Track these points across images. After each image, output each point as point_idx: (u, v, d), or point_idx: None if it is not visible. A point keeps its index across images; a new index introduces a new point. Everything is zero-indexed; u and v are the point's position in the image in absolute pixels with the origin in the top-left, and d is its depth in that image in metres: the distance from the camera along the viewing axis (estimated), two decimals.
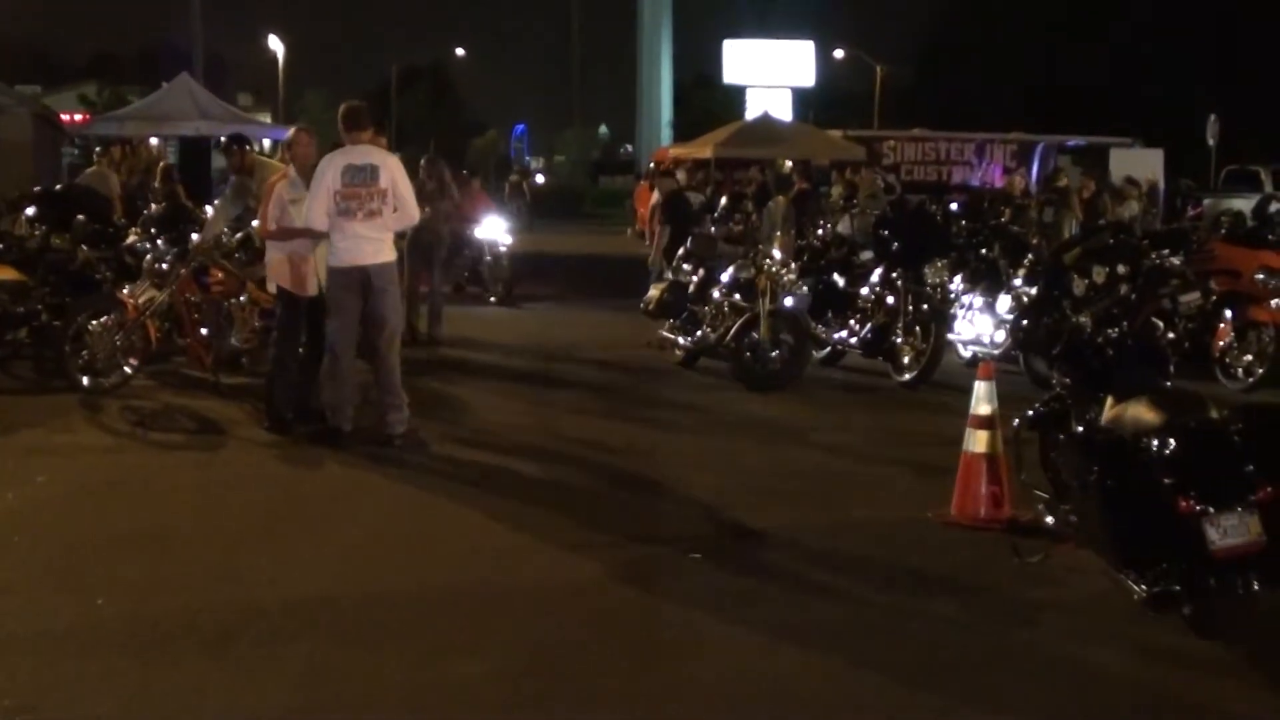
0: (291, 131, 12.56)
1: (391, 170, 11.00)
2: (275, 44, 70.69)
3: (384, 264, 11.00)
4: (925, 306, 14.48)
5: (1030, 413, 8.36)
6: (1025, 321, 14.24)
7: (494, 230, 22.57)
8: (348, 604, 7.11)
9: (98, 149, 35.47)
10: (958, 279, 15.64)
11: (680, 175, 24.86)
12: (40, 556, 7.89)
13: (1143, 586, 6.55)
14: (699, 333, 15.07)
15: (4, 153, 25.02)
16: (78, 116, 45.72)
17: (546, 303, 22.58)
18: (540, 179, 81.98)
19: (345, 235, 10.84)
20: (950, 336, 14.96)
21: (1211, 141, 39.07)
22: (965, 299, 15.46)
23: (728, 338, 14.34)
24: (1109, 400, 7.34)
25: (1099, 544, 7.09)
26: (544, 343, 17.59)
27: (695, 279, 15.62)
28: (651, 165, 35.68)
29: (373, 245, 10.91)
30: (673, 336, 15.58)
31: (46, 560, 7.81)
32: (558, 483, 9.96)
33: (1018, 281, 15.13)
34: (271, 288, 11.81)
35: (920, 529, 8.74)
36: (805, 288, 15.25)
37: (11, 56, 78.03)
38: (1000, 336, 14.82)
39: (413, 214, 11.33)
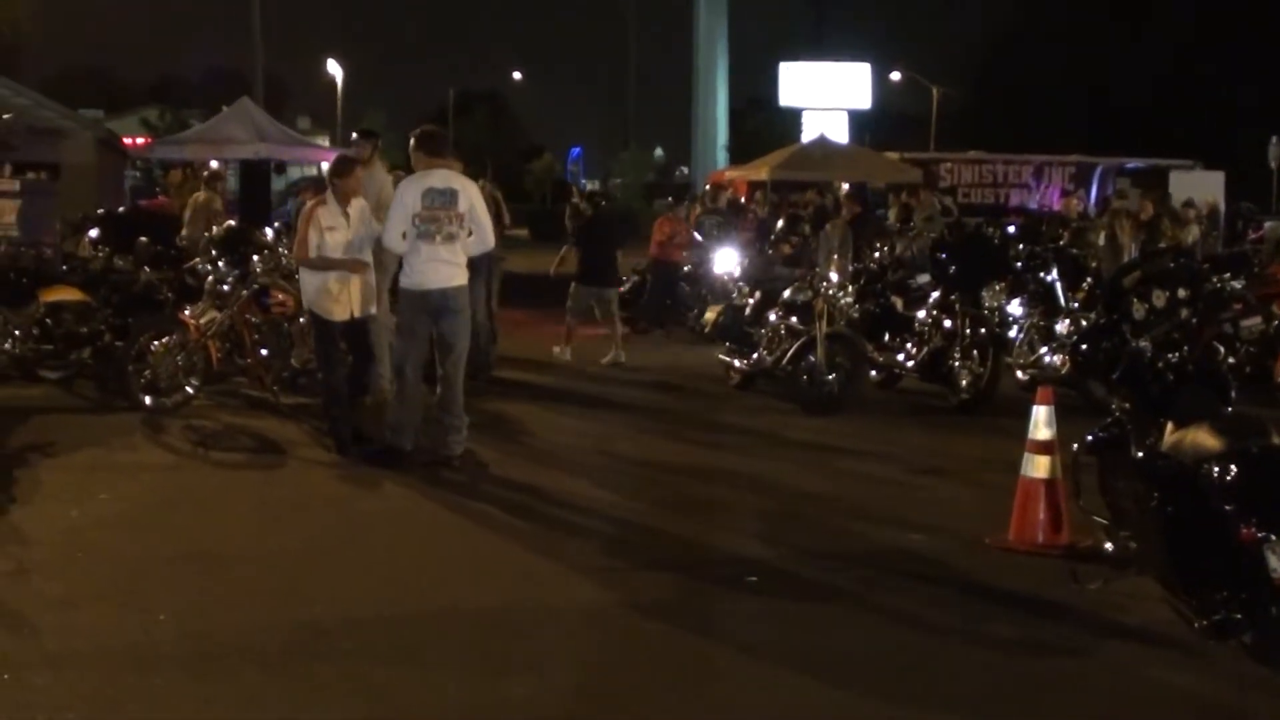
0: (338, 158, 12.59)
1: (470, 195, 11.11)
2: (334, 68, 71.29)
3: (458, 287, 11.06)
4: (983, 330, 14.41)
5: (1089, 438, 8.29)
6: (1084, 345, 14.06)
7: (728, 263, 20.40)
8: (406, 623, 7.15)
9: (159, 171, 35.91)
10: (1015, 302, 15.56)
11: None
12: (103, 573, 7.97)
13: (1203, 614, 6.49)
14: (755, 355, 15.05)
15: (68, 175, 25.32)
16: (139, 140, 46.19)
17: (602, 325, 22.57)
18: (604, 202, 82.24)
19: (422, 257, 10.92)
20: (1008, 360, 14.88)
21: (1273, 164, 38.75)
22: (1023, 322, 15.38)
23: (784, 360, 14.32)
24: (1169, 425, 7.28)
25: (1158, 570, 7.03)
26: (600, 365, 17.60)
27: (751, 301, 15.61)
28: (706, 188, 35.72)
29: (448, 269, 10.98)
30: (729, 359, 15.57)
31: (109, 577, 7.89)
32: (614, 504, 9.97)
33: (1076, 305, 15.04)
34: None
35: (978, 554, 8.69)
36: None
37: (76, 81, 79.09)
38: (1059, 360, 14.73)
39: (488, 240, 11.42)
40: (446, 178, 11.12)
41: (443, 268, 10.97)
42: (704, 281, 20.75)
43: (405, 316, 11.20)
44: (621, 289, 19.83)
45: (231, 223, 16.94)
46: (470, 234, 11.10)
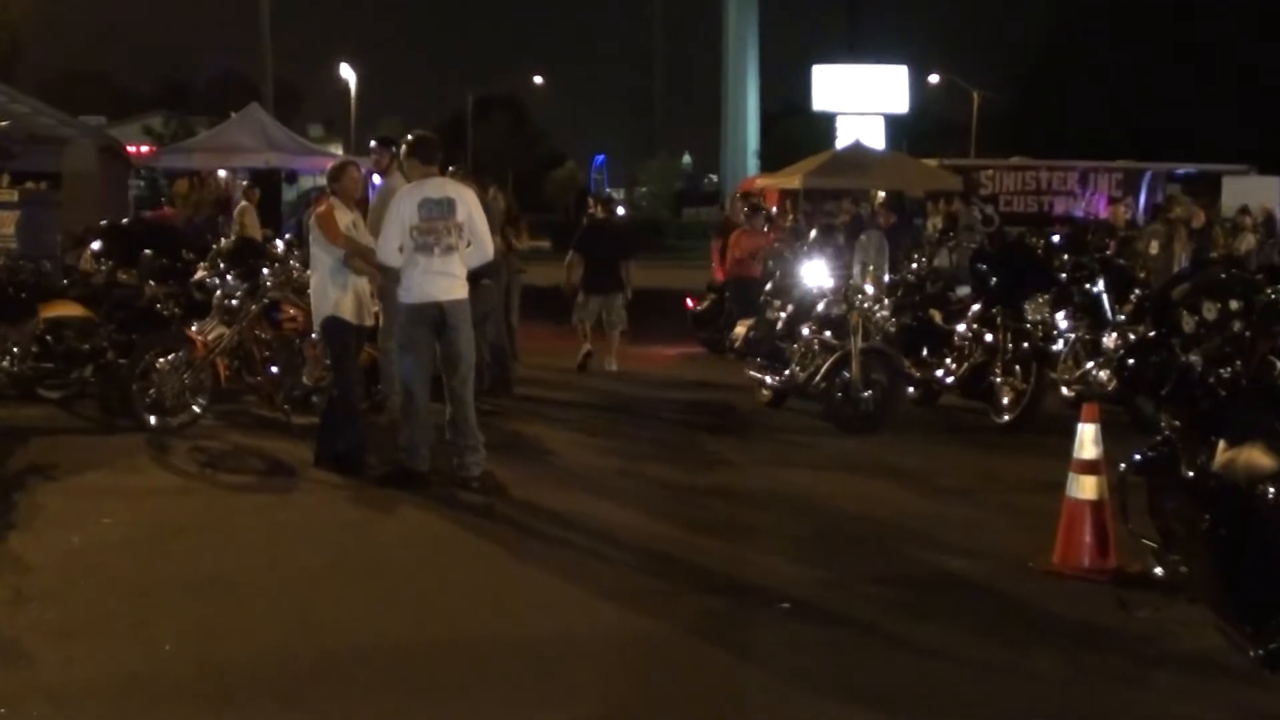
0: (332, 164, 12.65)
1: (468, 204, 11.16)
2: (347, 72, 71.48)
3: (458, 300, 11.09)
4: (1026, 344, 14.38)
5: (1137, 457, 8.26)
6: (1132, 360, 14.05)
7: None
8: (423, 653, 7.16)
9: (164, 181, 36.04)
10: (1060, 315, 15.52)
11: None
12: (106, 601, 8.01)
13: (1258, 642, 6.46)
14: (787, 372, 15.04)
15: (69, 185, 25.39)
16: (144, 148, 46.38)
17: (628, 342, 22.60)
18: (620, 211, 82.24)
19: (420, 270, 10.96)
20: (1052, 376, 14.83)
21: None
22: (1068, 336, 15.34)
23: (818, 377, 14.32)
24: (1221, 444, 7.26)
25: (1211, 597, 7.00)
26: (624, 382, 17.63)
27: (783, 315, 15.59)
28: (737, 196, 35.70)
29: (448, 281, 11.02)
30: (760, 376, 15.56)
31: (113, 605, 7.93)
32: (639, 528, 9.97)
33: (1123, 318, 15.01)
34: (316, 325, 11.94)
35: (1021, 579, 8.68)
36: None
37: (76, 86, 79.43)
38: (1105, 376, 14.68)
39: (488, 250, 11.44)
40: (442, 186, 11.20)
41: (441, 280, 11.02)
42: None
43: (405, 332, 11.22)
44: (696, 307, 20.08)
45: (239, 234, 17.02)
46: (469, 245, 11.15)
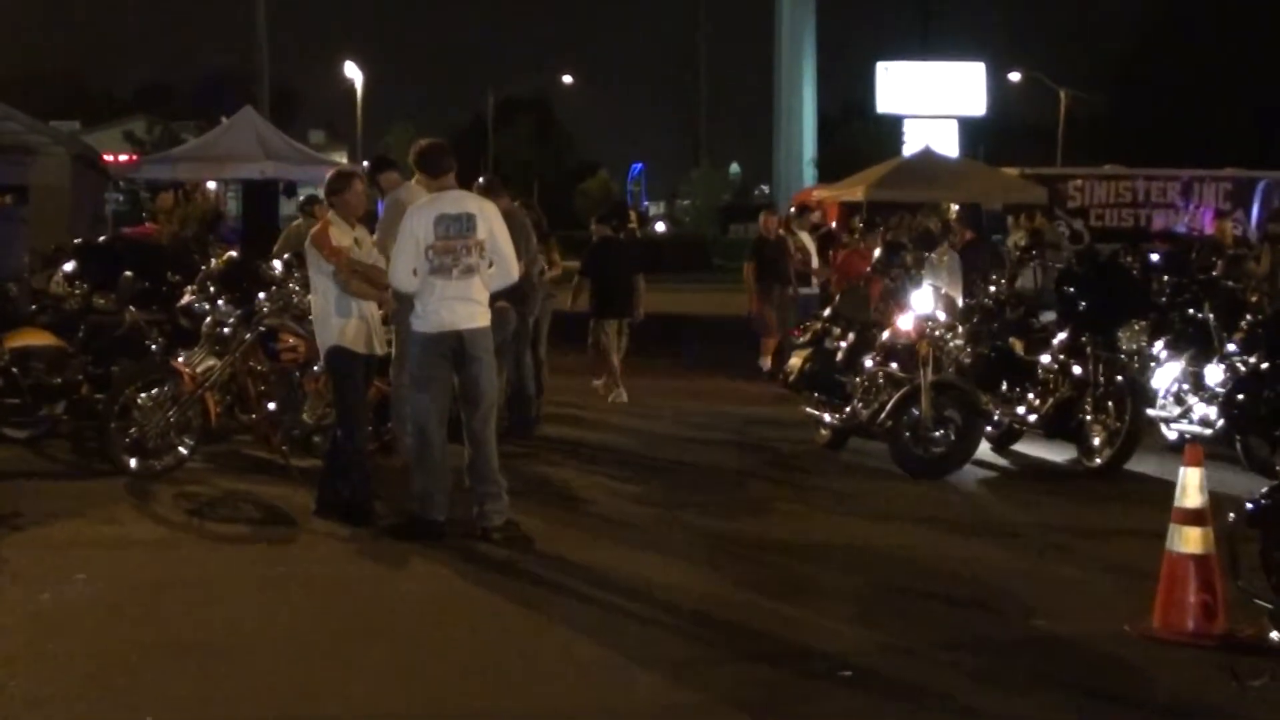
0: (331, 174, 12.62)
1: (490, 219, 11.13)
2: (353, 72, 71.78)
3: (480, 328, 11.10)
4: (1120, 378, 14.33)
5: (1250, 506, 8.25)
6: (1243, 396, 14.05)
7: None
8: None
9: (146, 195, 36.21)
10: (1159, 344, 15.48)
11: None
12: (80, 667, 8.03)
13: None
14: (848, 408, 15.01)
15: (39, 199, 25.53)
16: (123, 157, 46.69)
17: (664, 375, 22.63)
18: (660, 227, 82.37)
19: (437, 296, 10.95)
20: (1150, 413, 14.79)
21: None
22: (1169, 368, 15.29)
23: (883, 414, 14.28)
24: None
25: None
26: (663, 420, 17.64)
27: (844, 344, 15.57)
28: (792, 210, 35.71)
29: (468, 307, 11.02)
30: (817, 413, 15.54)
31: (87, 671, 7.94)
32: (683, 585, 9.94)
33: (1232, 347, 14.95)
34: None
35: (1116, 644, 8.64)
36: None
37: (47, 88, 79.96)
38: (1212, 414, 14.63)
39: (512, 271, 11.45)
40: (460, 200, 11.19)
41: (460, 306, 11.01)
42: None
43: (420, 366, 11.21)
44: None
45: (232, 253, 17.08)
46: (491, 265, 11.14)
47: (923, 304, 14.63)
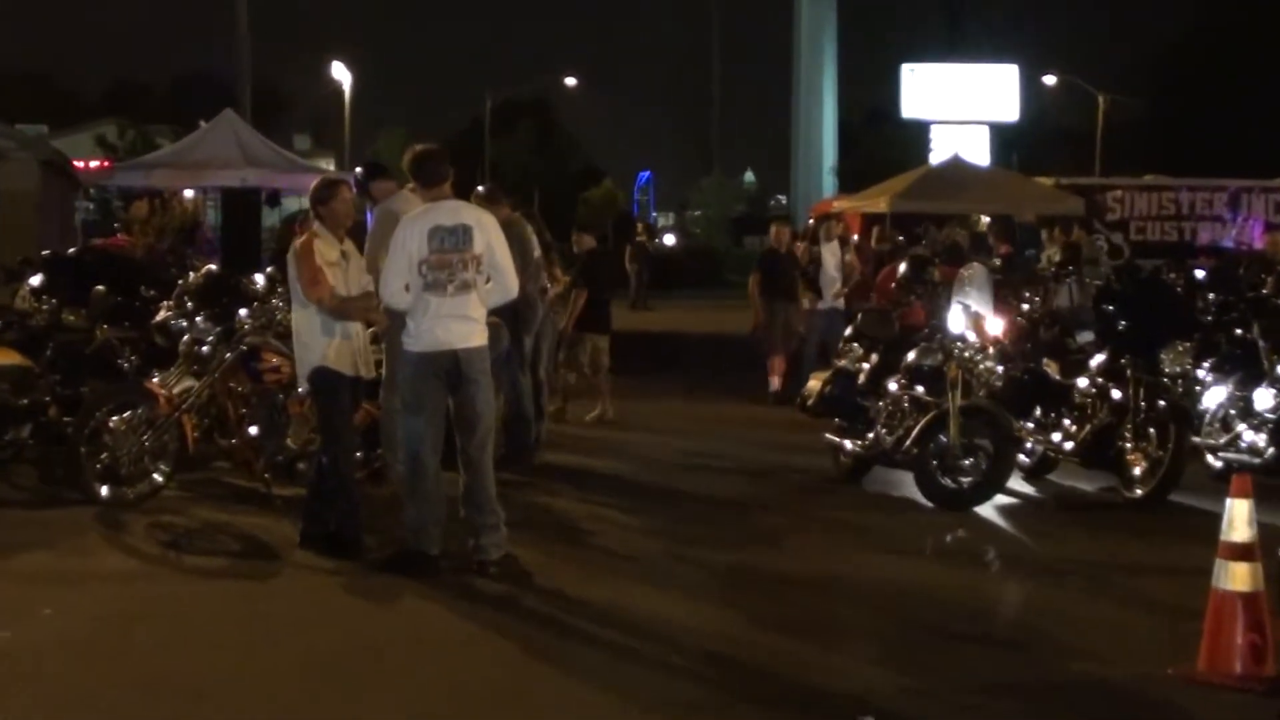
0: (317, 182, 12.61)
1: (488, 231, 11.14)
2: (341, 72, 71.87)
3: (476, 348, 11.10)
4: (1162, 403, 14.32)
5: None
6: None
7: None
8: None
9: (119, 203, 36.23)
10: (1205, 367, 15.48)
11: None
12: (45, 708, 8.05)
13: None
14: (871, 435, 15.01)
15: (4, 208, 25.58)
16: (95, 163, 46.74)
17: (673, 397, 22.63)
18: (669, 240, 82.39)
19: (431, 314, 10.95)
20: (1195, 441, 14.78)
21: None
22: (1215, 392, 15.29)
23: (908, 441, 14.28)
24: None
25: None
26: (671, 446, 17.65)
27: (866, 366, 15.56)
28: (810, 222, 35.72)
29: (464, 325, 11.03)
30: (837, 439, 15.53)
31: (53, 713, 7.97)
32: (692, 624, 9.95)
33: None
34: (300, 377, 11.95)
35: (1158, 688, 8.64)
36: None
37: (12, 88, 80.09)
38: (1261, 441, 14.63)
39: (511, 287, 11.45)
40: (456, 211, 11.18)
41: (456, 324, 11.02)
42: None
43: (413, 387, 11.20)
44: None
45: (211, 267, 17.10)
46: (489, 281, 11.15)
47: (952, 323, 14.63)
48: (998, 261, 21.26)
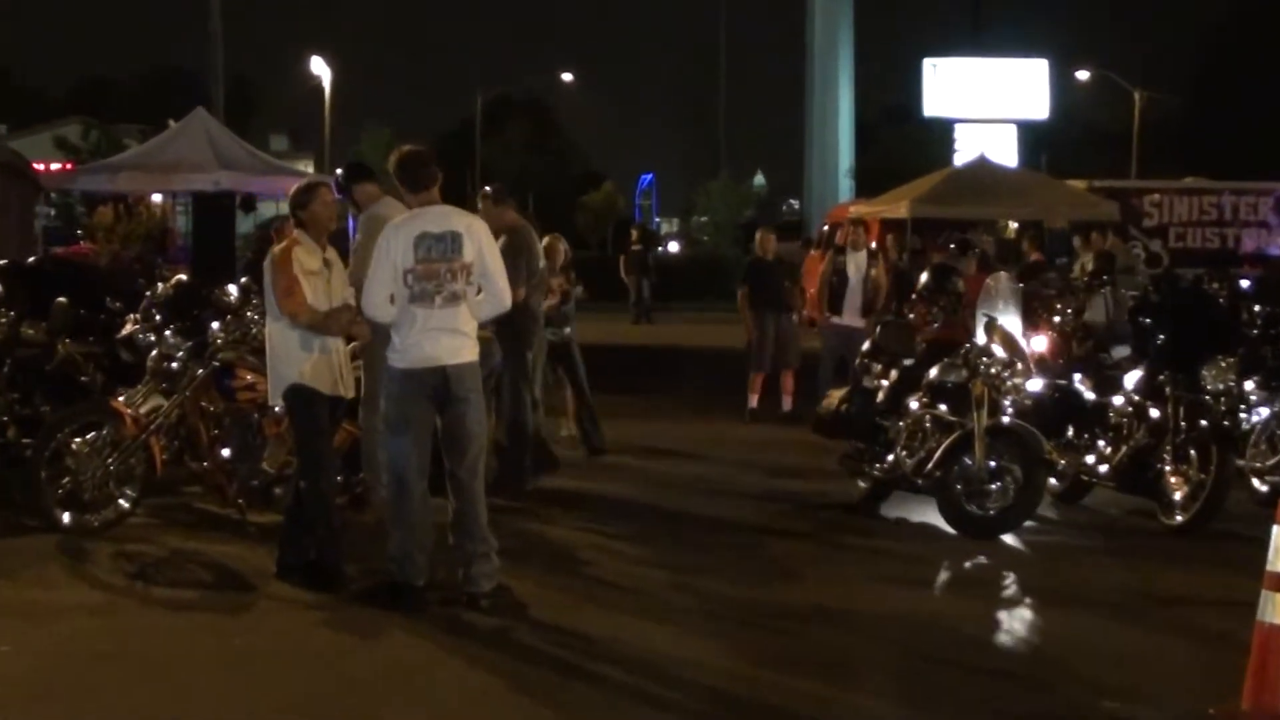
0: (296, 186, 12.55)
1: (478, 238, 11.13)
2: (320, 68, 71.79)
3: (466, 364, 11.10)
4: (1204, 422, 14.33)
5: None
6: None
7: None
8: None
9: (82, 209, 36.24)
10: (1250, 384, 15.48)
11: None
12: None
13: None
14: (890, 457, 15.00)
15: None
16: (56, 165, 46.79)
17: (674, 417, 22.64)
18: (674, 247, 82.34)
19: (417, 327, 10.94)
20: (1239, 463, 14.78)
21: None
22: (1261, 411, 15.30)
23: (930, 464, 14.28)
24: None
25: None
26: (673, 469, 17.66)
27: (885, 384, 15.56)
28: (825, 228, 35.73)
29: (453, 339, 11.02)
30: (854, 461, 15.52)
31: None
32: (697, 660, 9.96)
33: None
34: (274, 395, 11.96)
35: None
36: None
37: None
38: None
39: (504, 297, 11.44)
40: (445, 217, 11.15)
41: (444, 338, 11.01)
42: None
43: (398, 406, 11.18)
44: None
45: (181, 277, 17.09)
46: (480, 292, 11.16)
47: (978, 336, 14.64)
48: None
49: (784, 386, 22.18)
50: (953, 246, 20.69)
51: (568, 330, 18.24)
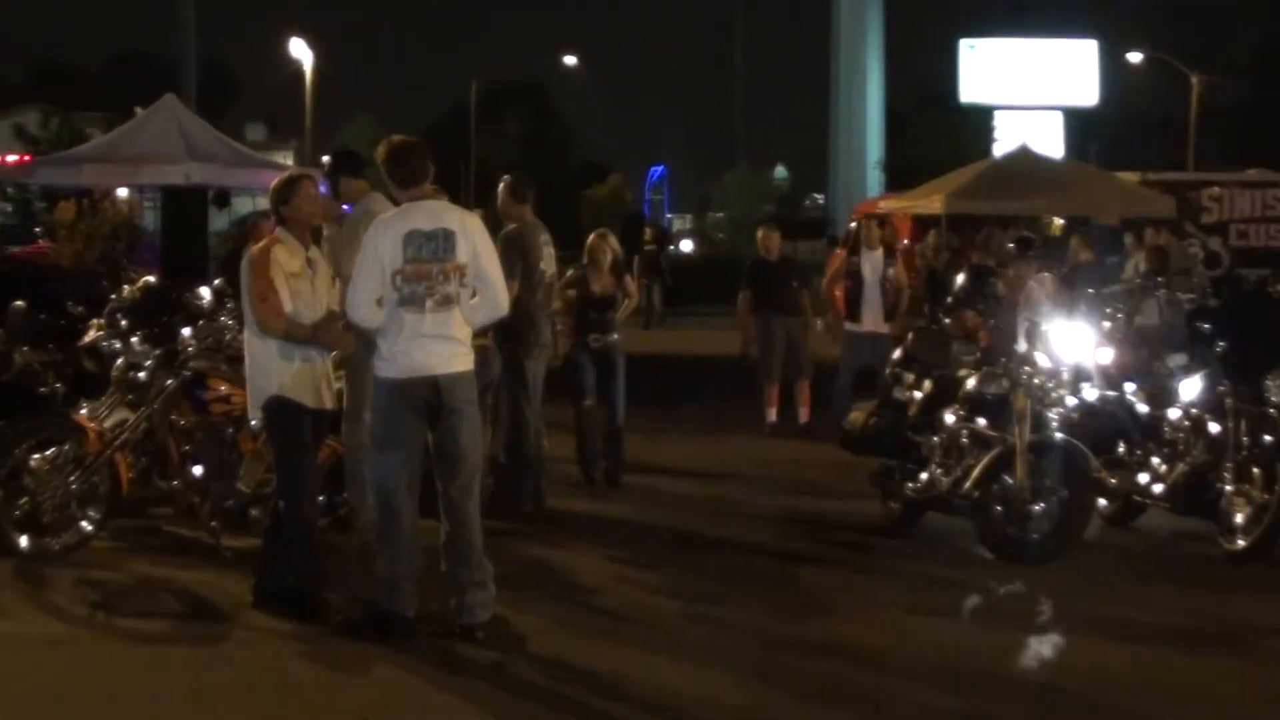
0: (277, 180, 12.47)
1: (473, 237, 11.10)
2: (301, 51, 71.82)
3: (461, 374, 11.09)
4: (1268, 438, 14.32)
5: None
6: None
7: None
8: None
9: (41, 204, 36.26)
10: None
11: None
12: None
13: None
14: (924, 475, 15.00)
15: None
16: (12, 157, 46.84)
17: (687, 432, 22.66)
18: (686, 246, 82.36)
19: (407, 333, 10.92)
20: None
21: None
22: None
23: (968, 483, 14.27)
24: None
25: None
26: (686, 488, 17.68)
27: (919, 395, 15.55)
28: (853, 225, 35.67)
29: (445, 347, 11.00)
30: (885, 480, 15.51)
31: None
32: (712, 698, 9.97)
33: None
34: (252, 408, 11.93)
35: None
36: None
37: None
38: None
39: (501, 302, 11.44)
40: (437, 214, 11.12)
41: (436, 346, 10.98)
42: None
43: (385, 420, 11.16)
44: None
45: (149, 279, 17.11)
46: (475, 295, 11.15)
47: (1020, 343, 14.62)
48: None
49: (799, 398, 22.11)
50: (1012, 246, 20.63)
51: (614, 337, 17.90)
